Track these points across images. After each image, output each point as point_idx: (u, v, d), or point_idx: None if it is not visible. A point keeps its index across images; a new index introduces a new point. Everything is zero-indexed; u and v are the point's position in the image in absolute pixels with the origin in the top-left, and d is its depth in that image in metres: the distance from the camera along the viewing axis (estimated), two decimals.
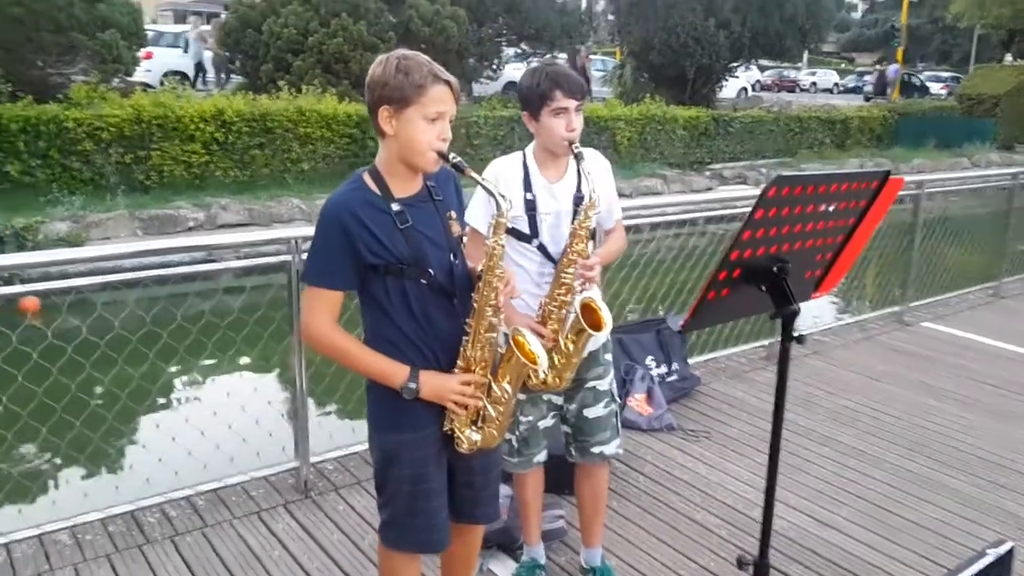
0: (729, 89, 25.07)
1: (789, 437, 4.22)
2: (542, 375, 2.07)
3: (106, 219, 10.60)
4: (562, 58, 20.70)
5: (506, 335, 2.14)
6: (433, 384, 2.05)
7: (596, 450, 2.76)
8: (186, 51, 20.65)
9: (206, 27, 23.01)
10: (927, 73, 39.27)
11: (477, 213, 2.51)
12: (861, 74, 41.63)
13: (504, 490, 3.16)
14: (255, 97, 13.41)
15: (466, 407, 2.08)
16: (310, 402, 3.59)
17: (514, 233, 2.58)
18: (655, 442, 4.12)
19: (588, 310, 2.46)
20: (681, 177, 16.59)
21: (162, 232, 10.89)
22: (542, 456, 2.82)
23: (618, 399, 2.83)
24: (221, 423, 3.69)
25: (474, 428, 2.12)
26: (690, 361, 4.95)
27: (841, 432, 4.31)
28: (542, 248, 2.60)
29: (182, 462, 3.54)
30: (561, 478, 3.26)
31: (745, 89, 29.18)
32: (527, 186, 2.59)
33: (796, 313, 1.92)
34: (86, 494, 4.12)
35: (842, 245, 2.04)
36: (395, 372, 2.04)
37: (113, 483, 3.84)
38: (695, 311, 1.85)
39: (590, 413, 2.74)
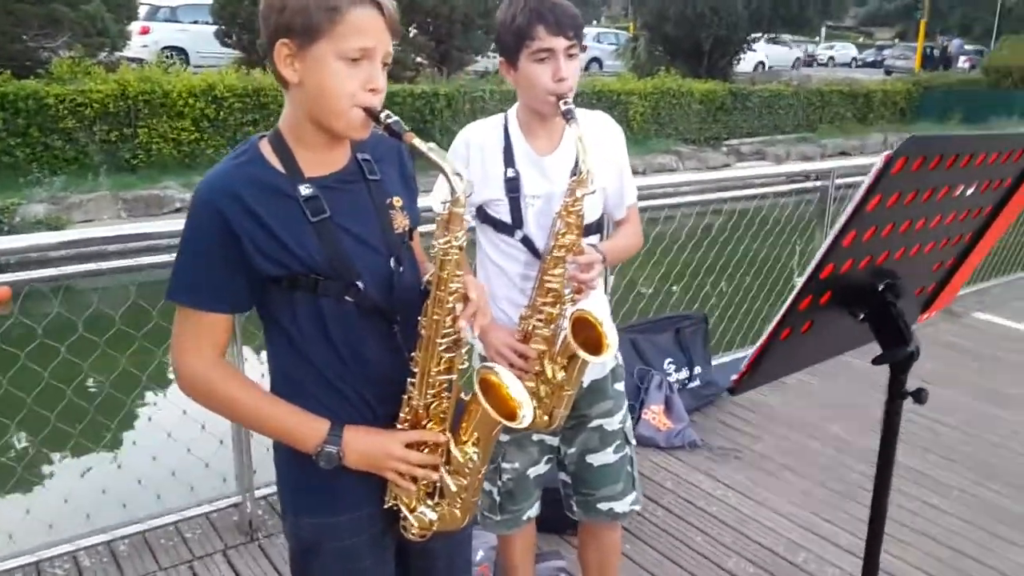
0: (746, 63, 24.14)
1: (832, 456, 3.58)
2: (524, 421, 1.43)
3: (88, 200, 10.06)
4: None
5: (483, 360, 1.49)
6: (363, 446, 1.41)
7: (604, 507, 2.13)
8: None
9: None
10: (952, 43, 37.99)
11: (441, 196, 1.87)
12: (881, 48, 40.54)
13: (486, 538, 2.54)
14: (248, 71, 12.76)
15: (415, 479, 1.45)
16: None
17: (492, 222, 1.93)
18: (675, 463, 3.48)
19: (584, 326, 1.82)
20: (696, 153, 15.86)
21: (148, 214, 10.33)
22: (533, 511, 2.19)
23: (632, 440, 2.18)
24: (143, 452, 3.06)
25: (428, 504, 1.48)
26: (714, 363, 4.31)
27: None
28: (527, 242, 1.95)
29: (97, 500, 2.91)
30: (561, 515, 2.60)
31: (762, 63, 28.20)
32: (508, 160, 1.94)
33: (912, 357, 1.27)
34: None
35: (971, 245, 1.38)
36: (306, 430, 1.40)
37: (6, 530, 3.20)
38: (758, 360, 1.20)
39: (596, 460, 2.10)
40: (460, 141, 1.96)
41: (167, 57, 13.51)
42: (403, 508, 1.47)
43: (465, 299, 1.39)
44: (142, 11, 18.32)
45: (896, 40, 42.91)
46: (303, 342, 1.41)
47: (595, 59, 25.87)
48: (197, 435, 2.79)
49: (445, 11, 15.76)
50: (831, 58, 38.53)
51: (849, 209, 1.09)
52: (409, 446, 1.42)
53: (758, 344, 1.20)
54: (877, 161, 1.05)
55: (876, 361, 1.28)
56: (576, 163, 1.91)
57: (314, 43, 1.31)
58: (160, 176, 11.10)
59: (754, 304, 5.04)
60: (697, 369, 4.05)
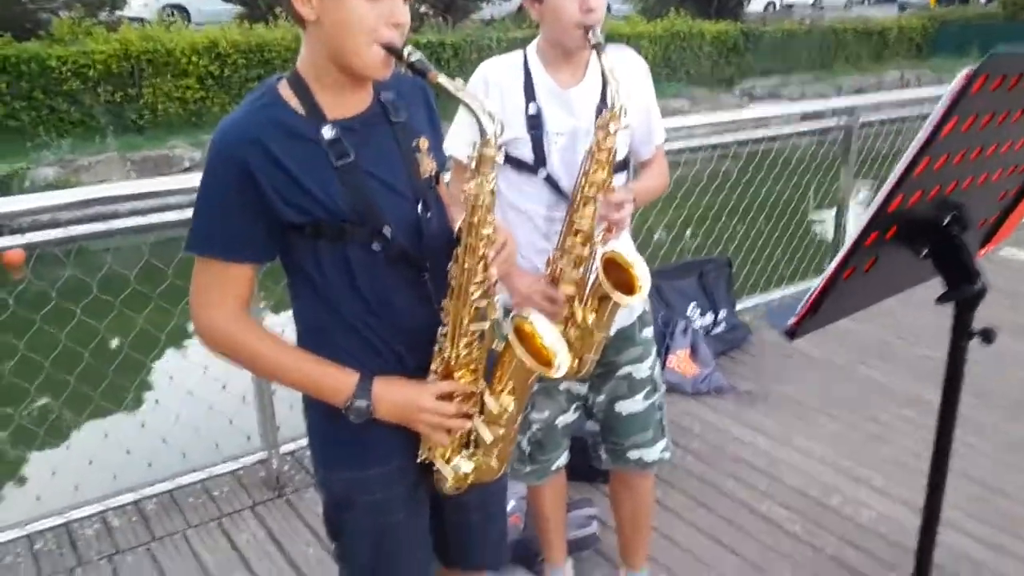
0: (756, 3, 23.56)
1: (863, 397, 3.52)
2: (560, 370, 1.37)
3: (96, 162, 9.97)
4: None
5: (507, 312, 1.42)
6: (394, 399, 1.36)
7: (634, 455, 2.08)
8: None
9: None
10: None
11: (460, 139, 1.78)
12: None
13: (516, 488, 2.51)
14: (251, 26, 12.54)
15: (448, 431, 1.39)
16: None
17: (513, 163, 1.84)
18: (703, 409, 3.43)
19: (614, 267, 1.75)
20: (710, 96, 15.54)
21: (157, 173, 10.22)
22: (562, 460, 2.14)
23: (662, 386, 2.12)
24: (166, 411, 3.03)
25: (463, 455, 1.43)
26: (738, 307, 4.24)
27: (925, 389, 3.59)
28: (551, 181, 1.86)
29: (122, 461, 2.88)
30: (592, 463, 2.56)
31: (773, 3, 27.52)
32: (530, 95, 1.84)
33: (980, 294, 1.19)
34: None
35: None
36: (334, 383, 1.35)
37: (34, 492, 3.16)
38: (818, 302, 1.12)
39: (624, 408, 2.04)
40: (478, 78, 1.87)
41: (168, 15, 13.26)
42: (437, 460, 1.42)
43: (499, 246, 1.32)
44: None
45: None
46: (329, 292, 1.35)
47: None
48: (219, 393, 2.74)
49: None
50: None
51: (923, 135, 0.99)
52: (441, 397, 1.36)
53: (817, 284, 1.11)
54: (954, 82, 0.96)
55: (941, 299, 1.20)
56: (603, 97, 1.81)
57: None
58: (167, 136, 10.98)
59: (776, 248, 4.95)
60: (722, 313, 3.98)
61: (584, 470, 2.54)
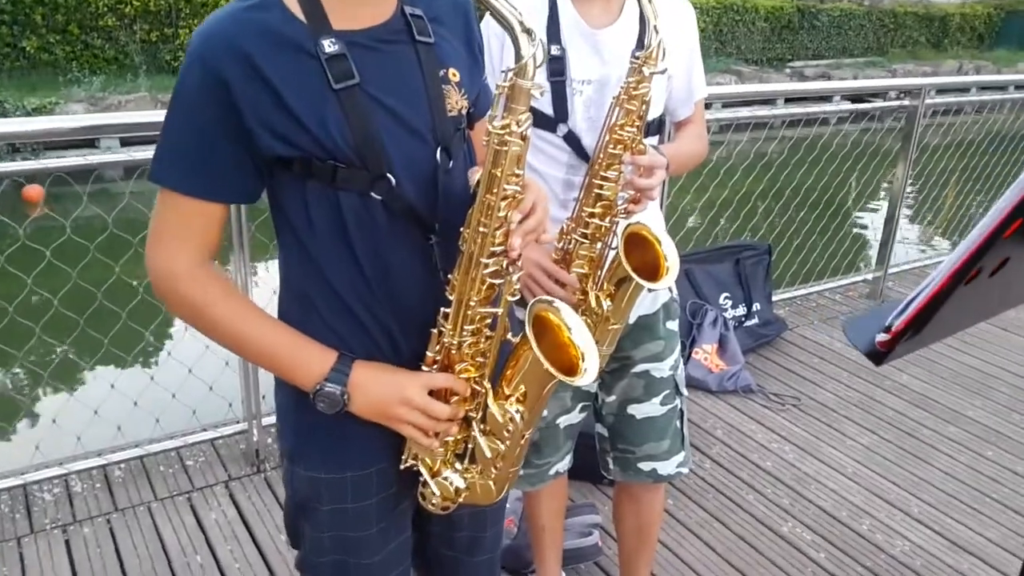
0: None
1: (902, 409, 3.22)
2: (586, 377, 1.09)
3: (126, 101, 9.81)
4: None
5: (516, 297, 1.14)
6: (375, 388, 1.09)
7: (646, 467, 1.80)
8: None
9: None
10: None
11: (490, 63, 1.50)
12: None
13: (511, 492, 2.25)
14: None
15: (437, 435, 1.12)
16: None
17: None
18: (727, 410, 3.15)
19: (638, 244, 1.47)
20: (758, 74, 15.02)
21: None
22: (563, 464, 1.87)
23: (684, 390, 1.84)
24: (140, 371, 2.80)
25: (455, 468, 1.17)
26: (774, 298, 3.93)
27: (969, 405, 3.28)
28: (572, 139, 1.57)
29: (85, 425, 2.66)
30: (596, 462, 2.28)
31: None
32: (553, 34, 1.54)
33: None
34: None
35: None
36: (305, 362, 1.09)
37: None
38: (925, 314, 0.82)
39: (639, 411, 1.77)
40: None
41: None
42: (423, 471, 1.15)
43: (526, 209, 1.04)
44: None
45: None
46: (317, 249, 1.08)
47: None
48: (200, 354, 2.51)
49: None
50: None
51: None
52: (433, 394, 1.10)
53: (924, 291, 0.81)
54: None
55: None
56: (641, 42, 1.52)
57: None
58: None
59: (820, 238, 4.63)
60: (756, 306, 3.68)
61: (588, 470, 2.28)
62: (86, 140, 9.15)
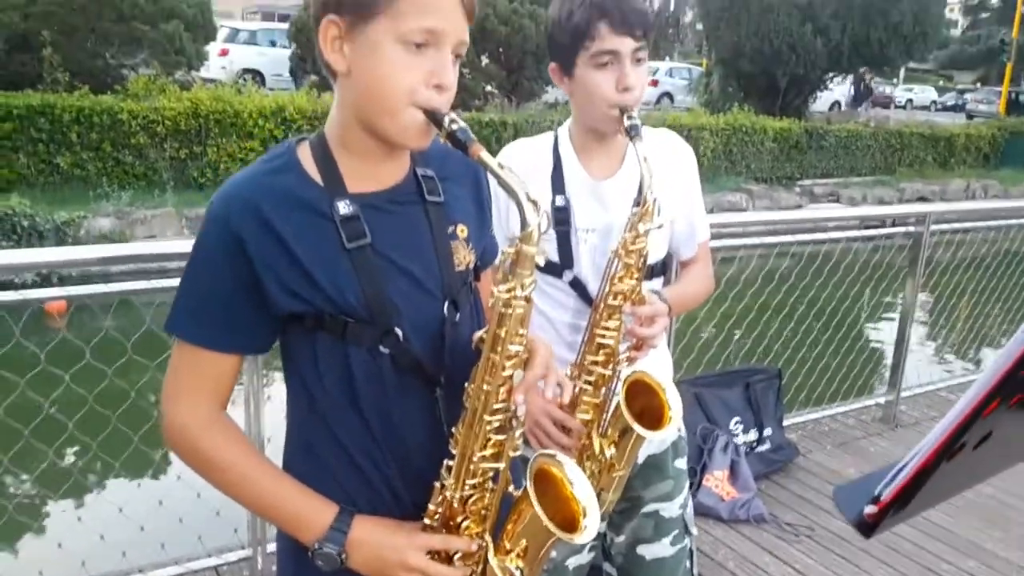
0: (821, 102, 23.51)
1: (919, 541, 3.17)
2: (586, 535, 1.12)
3: (152, 216, 10.13)
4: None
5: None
6: (374, 547, 1.12)
7: None
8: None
9: None
10: None
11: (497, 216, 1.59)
12: (961, 91, 39.38)
13: None
14: (319, 95, 12.82)
15: None
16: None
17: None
18: (738, 539, 3.12)
19: (641, 391, 1.52)
20: (768, 193, 15.37)
21: None
22: None
23: (693, 529, 1.85)
24: (148, 496, 2.82)
25: None
26: (786, 422, 3.93)
27: (988, 538, 3.22)
28: (578, 285, 1.65)
29: (91, 548, 2.66)
30: None
31: (838, 103, 27.47)
32: (558, 185, 1.65)
33: None
34: None
35: None
36: (307, 518, 1.13)
37: None
38: (910, 489, 0.86)
39: (649, 552, 1.78)
40: (503, 159, 1.69)
41: (243, 79, 13.67)
42: None
43: (526, 366, 1.10)
44: (222, 33, 18.82)
45: (978, 84, 41.67)
46: (324, 399, 1.14)
47: (666, 94, 25.58)
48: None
49: (518, 40, 15.69)
50: (909, 100, 37.46)
51: None
52: (432, 554, 1.13)
53: (908, 466, 0.85)
54: None
55: None
56: (640, 190, 1.62)
57: (369, 21, 1.05)
58: None
59: (831, 359, 4.65)
60: (767, 431, 3.68)
61: None
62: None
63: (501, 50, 15.79)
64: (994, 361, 0.83)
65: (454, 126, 1.05)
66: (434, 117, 1.06)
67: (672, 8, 23.60)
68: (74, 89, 11.14)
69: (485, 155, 1.04)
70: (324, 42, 1.08)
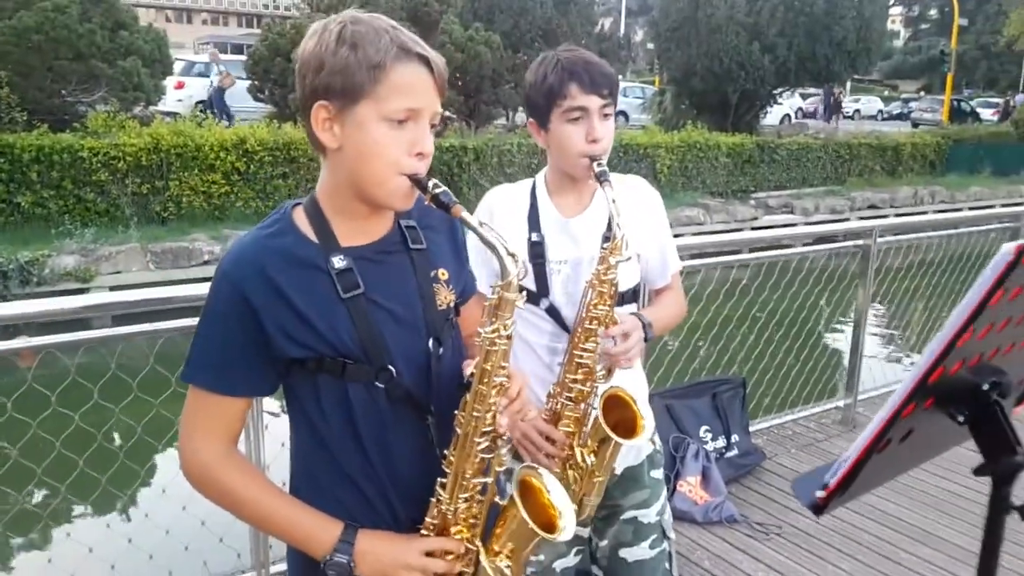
0: (772, 117, 24.19)
1: (881, 534, 3.38)
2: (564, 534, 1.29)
3: (116, 252, 10.10)
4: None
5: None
6: (378, 555, 1.27)
7: None
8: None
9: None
10: (976, 100, 37.89)
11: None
12: (907, 101, 40.65)
13: None
14: (279, 125, 12.91)
15: None
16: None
17: None
18: (713, 540, 3.30)
19: (617, 405, 1.70)
20: (724, 207, 15.76)
21: (175, 266, 10.37)
22: None
23: (671, 534, 2.03)
24: (155, 525, 2.93)
25: None
26: (751, 428, 4.14)
27: (947, 526, 3.44)
28: (553, 312, 1.84)
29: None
30: None
31: (788, 116, 28.27)
32: (533, 223, 1.84)
33: (1020, 467, 1.11)
34: None
35: None
36: (316, 535, 1.28)
37: None
38: (849, 477, 1.06)
39: (630, 555, 1.95)
40: (484, 207, 1.87)
41: (201, 111, 13.71)
42: None
43: (511, 395, 1.27)
44: (177, 66, 18.80)
45: (922, 93, 43.07)
46: (326, 430, 1.30)
47: (621, 112, 26.06)
48: (212, 506, 2.64)
49: (474, 67, 15.97)
50: (857, 111, 38.58)
51: (970, 307, 0.96)
52: (430, 554, 1.29)
53: (848, 458, 1.05)
54: (1003, 254, 0.94)
55: (978, 472, 1.11)
56: (608, 227, 1.81)
57: (355, 104, 1.21)
58: (189, 228, 11.16)
59: (792, 366, 4.88)
60: (735, 438, 3.88)
61: None
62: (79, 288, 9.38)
63: (458, 76, 16.03)
64: (911, 372, 1.03)
65: (437, 190, 1.21)
66: (419, 183, 1.23)
67: (623, 29, 24.06)
68: (33, 128, 11.09)
69: (465, 214, 1.22)
70: (316, 123, 1.24)
